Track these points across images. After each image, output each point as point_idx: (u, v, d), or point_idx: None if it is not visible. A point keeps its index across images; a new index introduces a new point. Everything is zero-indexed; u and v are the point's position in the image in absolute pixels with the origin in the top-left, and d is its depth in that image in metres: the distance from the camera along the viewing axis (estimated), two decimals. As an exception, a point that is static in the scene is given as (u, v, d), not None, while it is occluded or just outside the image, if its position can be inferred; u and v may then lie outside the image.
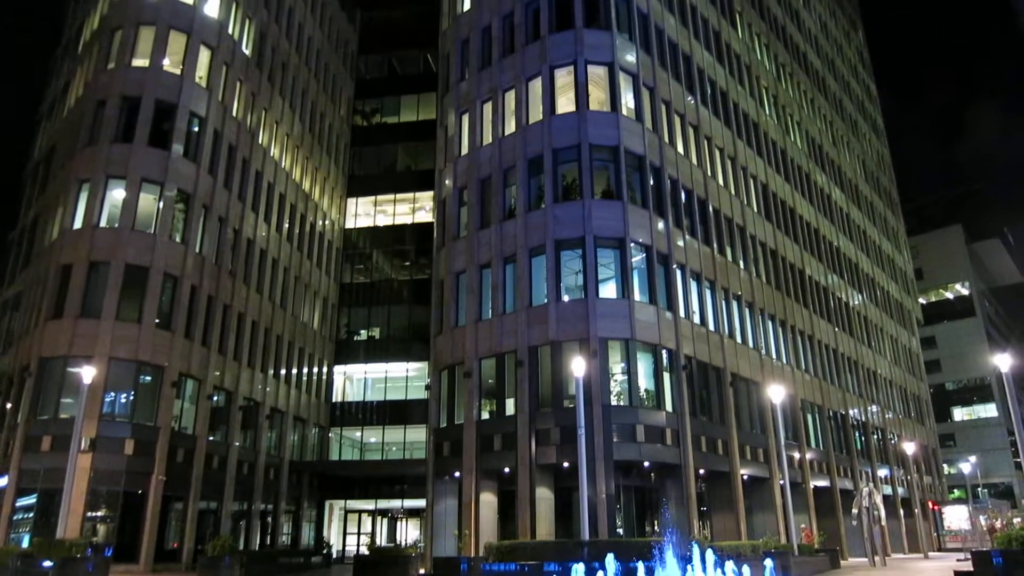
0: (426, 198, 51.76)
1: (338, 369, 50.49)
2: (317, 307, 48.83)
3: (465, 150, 35.85)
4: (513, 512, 28.74)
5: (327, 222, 51.41)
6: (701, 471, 31.30)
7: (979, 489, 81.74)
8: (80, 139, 35.44)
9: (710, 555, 16.35)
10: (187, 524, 33.50)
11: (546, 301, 29.83)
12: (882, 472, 51.73)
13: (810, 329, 46.04)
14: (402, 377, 50.04)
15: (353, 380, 51.73)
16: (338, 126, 54.41)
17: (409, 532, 47.34)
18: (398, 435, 48.32)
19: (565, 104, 32.88)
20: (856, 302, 56.21)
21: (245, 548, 36.53)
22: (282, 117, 45.86)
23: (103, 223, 33.37)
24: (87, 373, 25.72)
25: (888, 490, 52.11)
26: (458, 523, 30.40)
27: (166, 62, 36.67)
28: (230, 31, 40.23)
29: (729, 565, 16.39)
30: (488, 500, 30.33)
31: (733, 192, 40.51)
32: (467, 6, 38.64)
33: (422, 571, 28.09)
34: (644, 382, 29.79)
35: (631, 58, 34.06)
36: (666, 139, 34.83)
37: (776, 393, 30.80)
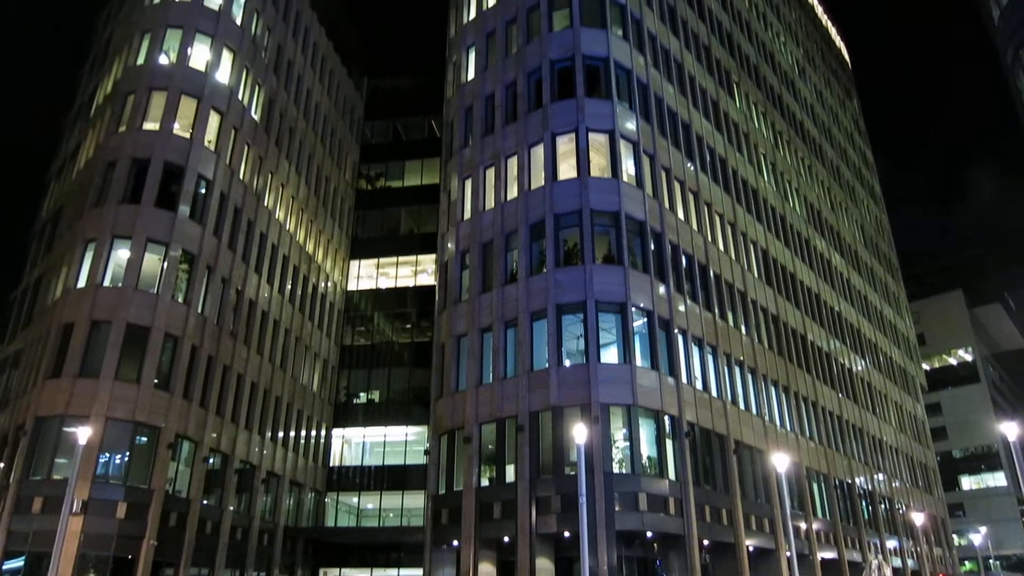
0: (428, 261, 52.08)
1: (336, 432, 49.92)
2: (317, 369, 48.60)
3: (468, 214, 36.23)
4: (512, 583, 27.99)
5: (329, 284, 51.62)
6: (705, 542, 30.58)
7: (991, 561, 79.67)
8: (88, 200, 35.88)
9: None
10: (177, 592, 32.61)
11: (547, 366, 29.68)
12: (891, 543, 50.53)
13: (814, 395, 45.65)
14: (401, 441, 49.44)
15: (351, 444, 51.09)
16: (343, 189, 55.16)
17: (405, 602, 46.05)
18: (396, 501, 47.45)
19: (567, 170, 33.37)
20: (859, 368, 55.88)
21: (236, 618, 35.45)
22: (288, 180, 46.53)
23: (107, 283, 33.49)
24: (83, 433, 25.42)
25: (898, 562, 50.81)
26: (456, 594, 29.60)
27: (176, 126, 37.40)
28: (240, 97, 41.16)
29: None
30: (487, 571, 29.57)
31: (734, 257, 40.74)
32: (471, 75, 39.61)
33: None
34: (646, 449, 29.39)
35: (631, 126, 34.73)
36: (667, 205, 35.22)
37: (781, 461, 30.32)
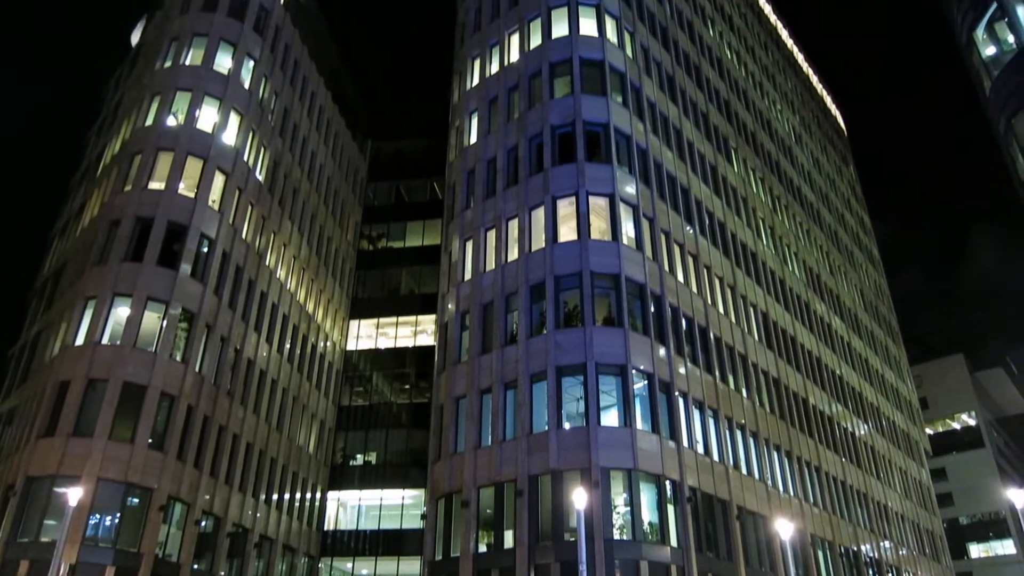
0: (428, 321, 52.06)
1: (332, 495, 49.04)
2: (314, 430, 48.06)
3: (468, 275, 36.37)
4: (510, 655, 27.09)
5: (328, 344, 51.48)
6: (708, 612, 29.73)
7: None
8: (91, 257, 36.09)
9: None
10: (163, 662, 31.53)
11: (547, 428, 29.36)
12: (899, 615, 49.12)
13: (817, 460, 45.03)
14: (397, 505, 48.53)
15: (347, 507, 50.15)
16: (344, 249, 55.54)
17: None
18: (391, 567, 46.29)
19: (567, 233, 33.65)
20: (862, 432, 55.28)
21: None
22: (290, 240, 46.88)
23: (105, 340, 33.39)
24: (73, 494, 24.99)
25: (906, 635, 49.30)
26: (451, 666, 28.60)
27: (181, 186, 37.88)
28: (245, 158, 41.79)
29: None
30: (483, 641, 28.66)
31: (734, 320, 40.74)
32: (473, 139, 40.31)
33: None
34: (648, 515, 28.83)
35: (631, 190, 35.17)
36: (666, 268, 35.40)
37: (785, 528, 29.71)
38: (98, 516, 30.58)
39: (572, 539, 26.38)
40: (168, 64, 41.67)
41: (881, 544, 50.55)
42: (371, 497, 49.23)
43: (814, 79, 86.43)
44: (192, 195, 37.77)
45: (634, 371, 30.37)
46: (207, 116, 40.42)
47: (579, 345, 30.25)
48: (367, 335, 54.47)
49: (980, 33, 27.65)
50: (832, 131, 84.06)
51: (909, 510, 59.80)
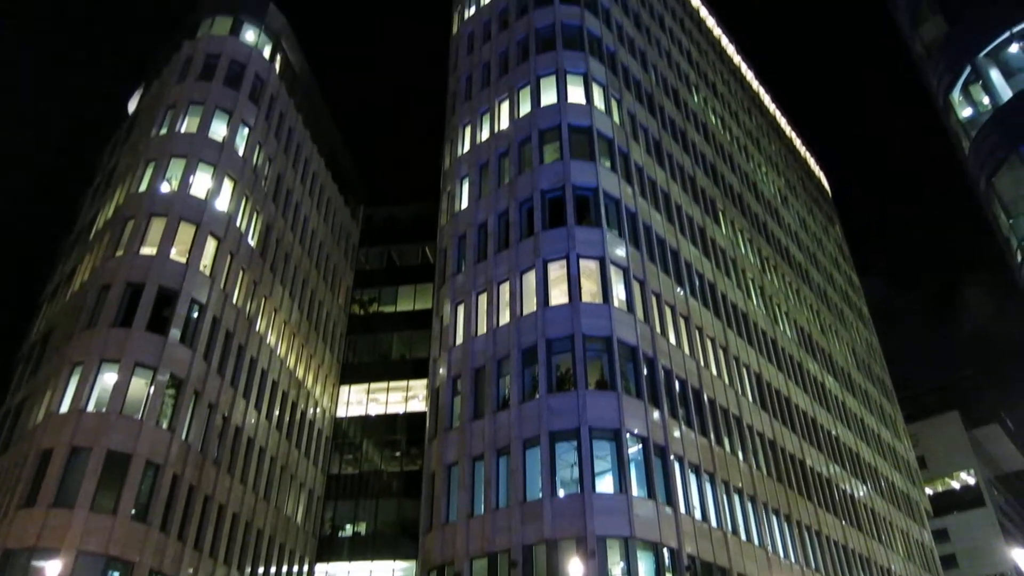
0: (419, 387, 51.61)
1: (320, 568, 47.63)
2: (302, 499, 46.99)
3: (460, 340, 36.21)
4: None
5: (318, 410, 50.84)
6: None
7: None
8: (80, 322, 35.81)
9: None
10: None
11: (541, 496, 28.76)
12: None
13: (817, 524, 44.20)
14: (388, 577, 47.19)
15: (336, 579, 48.71)
16: (336, 314, 55.40)
17: None
18: (381, 642, 44.76)
19: (558, 296, 33.67)
20: (861, 494, 54.47)
21: None
22: (281, 305, 46.74)
23: (91, 407, 32.83)
24: (52, 568, 24.18)
25: None
26: None
27: (173, 251, 37.90)
28: (238, 223, 41.98)
29: None
30: None
31: (727, 382, 40.51)
32: (465, 204, 40.69)
33: None
34: (645, 584, 28.03)
35: (621, 252, 35.38)
36: (658, 330, 35.34)
37: (785, 597, 28.94)
38: (77, 592, 29.52)
39: (568, 611, 25.56)
40: (164, 131, 42.23)
41: (885, 611, 49.27)
42: (360, 570, 47.86)
43: (797, 142, 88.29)
44: (184, 260, 37.77)
45: (628, 435, 29.98)
46: (201, 182, 40.76)
47: (572, 409, 29.92)
48: (357, 401, 53.88)
49: (956, 95, 28.42)
50: (817, 192, 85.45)
51: (913, 573, 58.50)
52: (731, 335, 43.44)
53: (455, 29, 50.80)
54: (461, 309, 37.14)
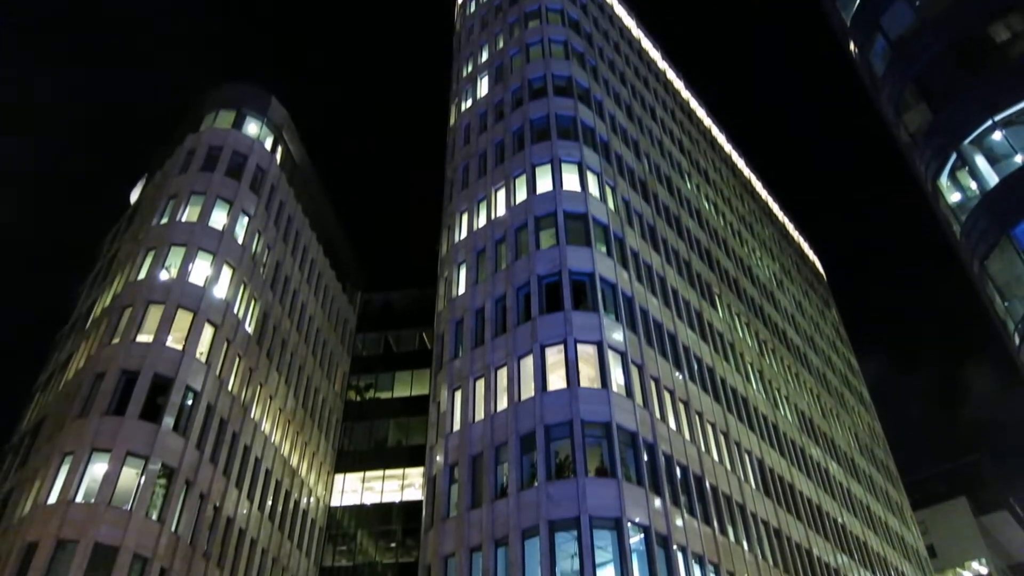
0: (416, 475, 50.64)
1: (311, 666, 45.58)
2: (294, 593, 45.35)
3: (457, 426, 35.74)
4: None
5: (312, 499, 49.66)
6: None
7: None
8: (72, 411, 35.41)
9: None
10: None
11: (540, 589, 27.77)
12: None
13: (826, 618, 42.59)
14: (381, 676, 45.08)
15: None
16: (331, 400, 54.87)
17: None
18: None
19: (556, 381, 33.45)
20: (871, 586, 52.70)
21: None
22: (277, 392, 46.34)
23: (79, 498, 32.09)
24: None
25: None
26: None
27: (170, 338, 37.84)
28: (235, 310, 42.09)
29: None
30: None
31: (729, 468, 39.80)
32: (462, 290, 40.94)
33: None
34: None
35: (619, 337, 35.37)
36: (658, 415, 34.96)
37: None
38: None
39: None
40: (165, 220, 42.87)
41: None
42: (353, 669, 45.79)
43: (790, 227, 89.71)
44: (180, 347, 37.67)
45: (630, 524, 29.21)
46: (200, 270, 41.09)
47: (572, 497, 29.25)
48: (352, 489, 52.73)
49: (944, 181, 29.04)
50: (812, 276, 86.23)
51: (929, 672, 56.01)
52: (731, 420, 42.96)
53: (452, 121, 52.36)
54: (458, 395, 36.82)
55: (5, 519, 36.60)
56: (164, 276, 40.11)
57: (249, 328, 43.65)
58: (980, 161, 27.16)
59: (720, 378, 44.14)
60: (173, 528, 33.95)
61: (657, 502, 31.21)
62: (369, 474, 53.21)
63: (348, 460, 54.07)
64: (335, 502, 52.08)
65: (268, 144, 50.18)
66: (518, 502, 30.28)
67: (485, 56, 53.73)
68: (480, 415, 34.81)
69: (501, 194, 42.82)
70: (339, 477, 53.19)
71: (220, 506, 38.07)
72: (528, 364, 34.23)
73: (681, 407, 37.95)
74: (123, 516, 31.96)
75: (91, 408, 34.79)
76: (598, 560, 28.19)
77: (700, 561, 32.57)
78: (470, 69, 54.25)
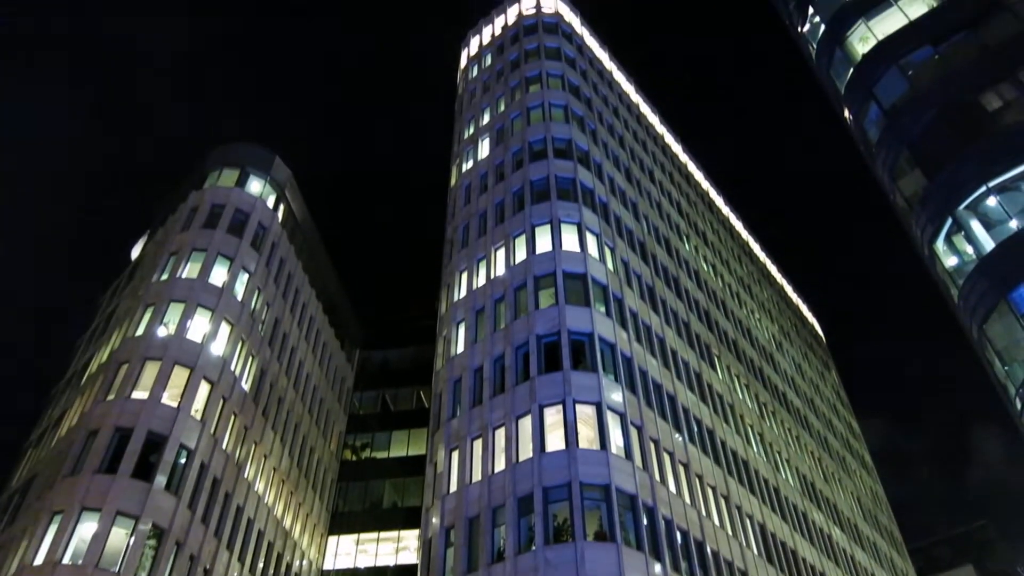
0: (411, 537, 49.60)
1: None
2: (282, 662, 43.91)
3: (454, 487, 35.18)
4: None
5: (305, 562, 48.51)
6: None
7: None
8: (63, 469, 34.87)
9: None
10: None
11: (537, 659, 26.92)
12: None
13: None
14: None
15: None
16: (327, 460, 54.11)
17: None
18: None
19: (555, 442, 33.07)
20: (878, 659, 51.11)
21: None
22: (272, 450, 45.73)
23: (67, 559, 31.34)
24: None
25: None
26: None
27: (165, 395, 37.53)
28: (233, 367, 41.85)
29: None
30: None
31: (730, 533, 39.02)
32: (460, 348, 40.83)
33: None
34: None
35: (618, 398, 35.13)
36: (657, 478, 34.46)
37: None
38: None
39: None
40: (165, 276, 42.98)
41: None
42: None
43: (788, 289, 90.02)
44: (175, 404, 37.34)
45: (629, 591, 28.47)
46: (198, 326, 41.02)
47: (570, 562, 28.59)
48: (346, 552, 51.55)
49: (940, 245, 29.28)
50: (811, 338, 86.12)
51: None
52: (732, 483, 42.32)
53: (453, 181, 53.08)
54: (455, 455, 36.35)
55: (-10, 580, 35.72)
56: (162, 332, 40.02)
57: (246, 385, 43.35)
58: (976, 226, 27.44)
59: (720, 440, 43.67)
60: (161, 591, 33.06)
61: (657, 568, 30.50)
62: (363, 536, 52.11)
63: (342, 522, 53.03)
64: (328, 565, 50.85)
65: (271, 202, 50.72)
66: (515, 567, 29.59)
67: (487, 118, 54.80)
68: (477, 476, 34.31)
69: (501, 254, 43.10)
70: (332, 539, 52.07)
71: (210, 568, 37.16)
72: (526, 424, 33.90)
73: (681, 470, 37.44)
74: (110, 578, 31.14)
75: (83, 466, 34.28)
76: (597, 629, 27.41)
77: (702, 631, 31.67)
78: (472, 131, 55.27)
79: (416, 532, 46.11)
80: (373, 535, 51.90)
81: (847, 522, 59.99)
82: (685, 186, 68.34)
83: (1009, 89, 28.08)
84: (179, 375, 38.49)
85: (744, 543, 39.90)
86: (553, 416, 33.75)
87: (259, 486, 43.59)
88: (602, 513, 30.77)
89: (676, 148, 73.54)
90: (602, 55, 67.55)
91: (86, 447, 35.14)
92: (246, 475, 42.01)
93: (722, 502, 40.03)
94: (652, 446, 35.65)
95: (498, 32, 63.40)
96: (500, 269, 42.35)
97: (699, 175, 76.40)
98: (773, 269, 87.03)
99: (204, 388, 39.27)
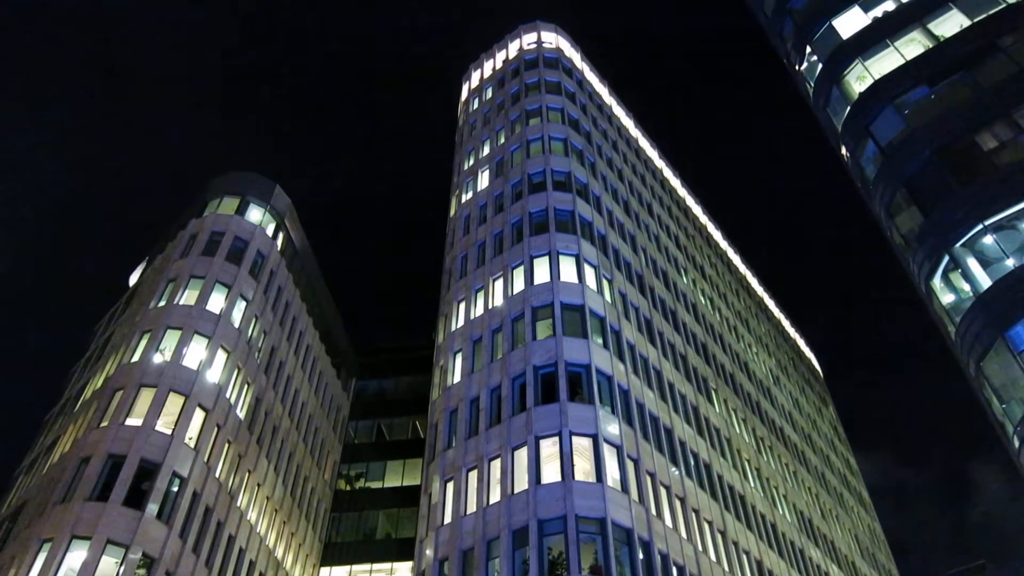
0: (404, 569, 49.01)
1: None
2: None
3: (448, 518, 34.84)
4: None
5: (296, 594, 47.79)
6: None
7: None
8: (54, 496, 34.50)
9: None
10: None
11: None
12: None
13: None
14: None
15: None
16: (320, 489, 53.60)
17: None
18: None
19: (551, 474, 32.83)
20: None
21: None
22: (265, 479, 45.32)
23: (55, 589, 30.85)
24: None
25: None
26: None
27: (159, 422, 37.26)
28: (228, 394, 41.64)
29: None
30: None
31: (727, 568, 38.59)
32: (457, 379, 40.71)
33: None
34: None
35: (615, 430, 34.96)
36: (653, 511, 34.17)
37: None
38: None
39: None
40: (162, 303, 42.94)
41: None
42: None
43: (786, 323, 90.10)
44: (169, 432, 37.06)
45: (625, 628, 28.09)
46: (194, 353, 40.89)
47: (565, 597, 28.21)
48: (338, 585, 50.87)
49: (937, 282, 29.37)
50: (808, 373, 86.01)
51: None
52: (729, 518, 41.95)
53: (452, 211, 53.37)
54: (450, 486, 36.06)
55: (-24, 609, 35.14)
56: (158, 359, 39.88)
57: (241, 413, 43.10)
58: (972, 263, 27.57)
59: (717, 474, 43.38)
60: (149, 622, 32.53)
61: (653, 605, 30.10)
62: (356, 568, 51.46)
63: (335, 553, 52.37)
64: (319, 598, 50.15)
65: (270, 231, 50.89)
66: (509, 601, 29.19)
67: (487, 150, 55.29)
68: (472, 507, 34.00)
69: (499, 284, 43.19)
70: (325, 570, 51.39)
71: (199, 600, 36.60)
72: (522, 456, 33.69)
73: (678, 503, 37.14)
74: (98, 609, 30.66)
75: (74, 493, 33.92)
76: (592, 666, 26.98)
77: (698, 670, 31.18)
78: (471, 162, 55.73)
79: (410, 564, 45.54)
80: (366, 567, 51.26)
81: (844, 560, 59.36)
82: (683, 220, 68.76)
83: (1004, 129, 28.42)
84: (174, 402, 38.26)
85: (741, 580, 39.42)
86: (549, 448, 33.55)
87: (252, 515, 43.12)
88: (597, 547, 30.45)
89: (675, 182, 74.12)
90: (602, 90, 68.39)
91: (78, 474, 34.81)
92: (239, 504, 41.59)
93: (719, 537, 39.66)
94: (648, 479, 35.41)
95: (499, 66, 64.26)
96: (498, 299, 42.41)
97: (697, 209, 76.91)
98: (771, 303, 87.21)
99: (199, 415, 39.03)
